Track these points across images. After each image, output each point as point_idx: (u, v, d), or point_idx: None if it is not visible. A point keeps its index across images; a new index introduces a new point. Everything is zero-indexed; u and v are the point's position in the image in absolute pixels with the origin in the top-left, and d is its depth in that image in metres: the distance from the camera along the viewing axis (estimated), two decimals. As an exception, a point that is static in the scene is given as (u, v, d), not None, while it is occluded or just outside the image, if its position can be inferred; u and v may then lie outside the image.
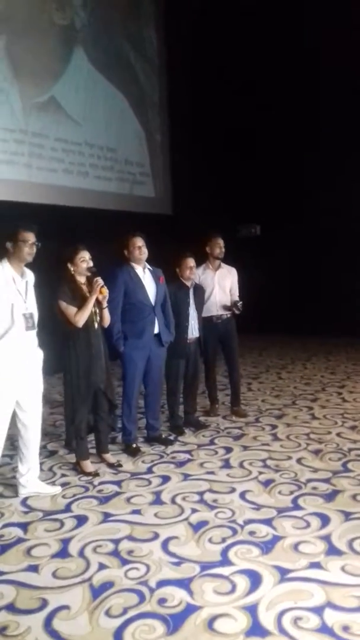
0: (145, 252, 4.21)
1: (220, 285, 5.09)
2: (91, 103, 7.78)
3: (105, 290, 3.72)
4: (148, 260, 4.32)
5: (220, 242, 5.07)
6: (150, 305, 4.22)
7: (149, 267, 4.31)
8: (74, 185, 7.50)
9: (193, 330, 4.66)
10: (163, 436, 4.53)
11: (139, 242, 4.19)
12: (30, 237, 3.28)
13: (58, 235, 3.45)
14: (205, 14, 9.51)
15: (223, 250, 5.08)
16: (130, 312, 4.14)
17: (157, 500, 3.37)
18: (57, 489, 3.58)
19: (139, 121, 8.75)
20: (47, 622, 2.26)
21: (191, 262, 4.61)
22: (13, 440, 3.81)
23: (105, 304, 3.77)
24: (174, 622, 2.23)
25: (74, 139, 7.49)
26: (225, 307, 5.07)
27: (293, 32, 9.03)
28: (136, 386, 4.28)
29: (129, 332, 4.16)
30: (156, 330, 4.26)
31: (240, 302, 5.04)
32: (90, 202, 7.67)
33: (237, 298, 5.15)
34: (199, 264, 4.86)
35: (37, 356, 3.46)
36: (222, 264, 5.17)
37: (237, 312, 5.06)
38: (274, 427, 4.76)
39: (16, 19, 6.70)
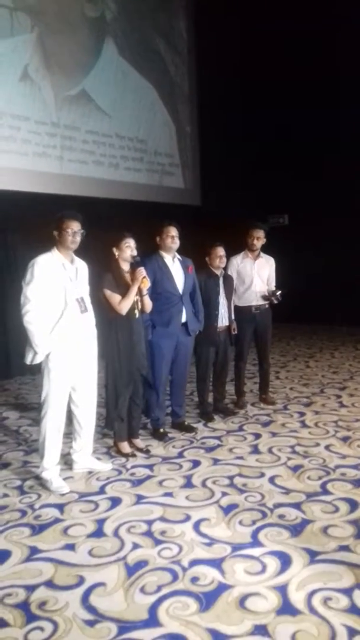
0: (177, 242, 4.27)
1: (260, 275, 5.06)
2: (121, 95, 7.83)
3: (147, 281, 3.82)
4: (178, 250, 4.37)
5: (255, 233, 4.99)
6: (178, 294, 4.27)
7: (178, 256, 4.36)
8: (104, 177, 7.58)
9: (223, 319, 4.70)
10: (186, 423, 4.59)
11: (173, 231, 4.25)
12: (75, 226, 3.41)
13: (89, 227, 3.54)
14: (235, 5, 9.44)
15: (257, 243, 5.00)
16: (158, 301, 4.19)
17: (188, 484, 3.45)
18: (109, 466, 3.76)
19: (169, 112, 8.76)
20: (85, 598, 2.35)
21: (221, 251, 4.64)
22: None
23: (145, 292, 3.87)
24: (207, 599, 2.31)
25: (105, 131, 7.56)
26: (264, 297, 5.05)
27: (326, 23, 8.92)
28: (164, 374, 4.34)
29: (157, 320, 4.22)
30: (183, 319, 4.31)
31: (280, 292, 4.98)
32: (120, 193, 7.74)
33: (273, 287, 5.11)
34: (229, 254, 4.88)
35: (93, 338, 3.59)
36: (262, 253, 5.12)
37: (275, 301, 5.01)
38: (302, 414, 4.80)
39: (48, 12, 6.77)
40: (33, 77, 6.57)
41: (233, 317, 4.88)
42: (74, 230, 3.40)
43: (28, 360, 3.43)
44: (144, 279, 3.78)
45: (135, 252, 3.83)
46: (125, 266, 3.87)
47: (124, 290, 3.78)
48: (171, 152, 8.82)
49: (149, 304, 3.97)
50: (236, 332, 4.92)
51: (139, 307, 3.87)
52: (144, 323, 4.11)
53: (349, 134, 8.99)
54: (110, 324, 3.84)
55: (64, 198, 6.61)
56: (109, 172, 7.63)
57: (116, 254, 3.84)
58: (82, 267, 3.59)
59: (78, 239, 3.43)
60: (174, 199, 8.73)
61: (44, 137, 6.69)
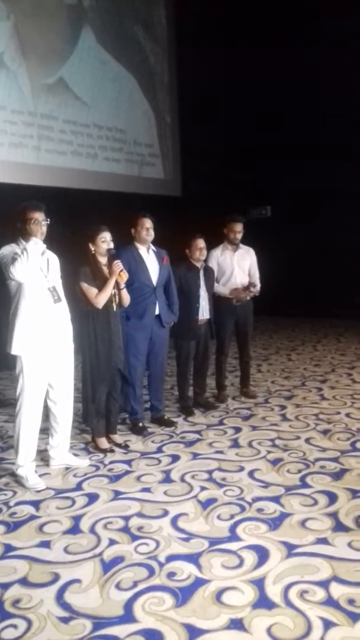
0: (151, 234, 4.24)
1: (240, 266, 5.03)
2: (100, 84, 7.73)
3: (125, 274, 3.78)
4: (157, 242, 4.34)
5: (237, 227, 4.96)
6: (152, 286, 4.24)
7: (153, 248, 4.33)
8: (82, 167, 7.49)
9: (204, 312, 4.67)
10: (166, 417, 4.56)
11: (148, 223, 4.22)
12: (38, 216, 3.33)
13: (67, 218, 3.49)
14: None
15: (238, 236, 4.98)
16: (132, 293, 4.11)
17: (167, 479, 3.42)
18: (86, 462, 3.72)
19: (148, 102, 8.68)
20: (59, 595, 2.32)
21: (201, 243, 4.60)
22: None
23: (123, 285, 3.82)
24: (183, 594, 2.28)
25: (83, 121, 7.46)
26: (243, 288, 4.97)
27: (305, 10, 8.89)
28: (139, 367, 4.31)
29: (131, 312, 4.17)
30: (157, 312, 4.28)
31: (258, 285, 4.96)
32: (99, 184, 7.66)
33: (257, 278, 5.08)
34: (210, 246, 4.83)
35: (68, 331, 3.54)
36: (241, 245, 5.09)
37: (251, 293, 4.95)
38: (283, 407, 4.79)
39: (24, -1, 6.66)
40: (9, 66, 6.45)
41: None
42: (39, 220, 3.33)
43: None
44: (121, 272, 3.73)
45: (111, 245, 3.79)
46: (102, 259, 3.82)
47: (101, 283, 3.73)
48: (151, 142, 8.75)
49: (126, 298, 3.93)
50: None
51: (117, 300, 3.83)
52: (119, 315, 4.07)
53: (332, 125, 8.98)
54: (87, 318, 3.79)
55: (41, 189, 6.51)
56: (87, 162, 7.54)
57: (92, 249, 3.79)
58: (52, 258, 3.53)
59: (44, 229, 3.36)
60: (154, 189, 8.67)
61: (20, 126, 6.57)
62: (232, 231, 4.97)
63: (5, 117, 6.40)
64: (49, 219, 3.38)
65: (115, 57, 8.01)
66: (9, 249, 3.33)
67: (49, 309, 3.38)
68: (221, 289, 4.92)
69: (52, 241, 3.49)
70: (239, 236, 5.00)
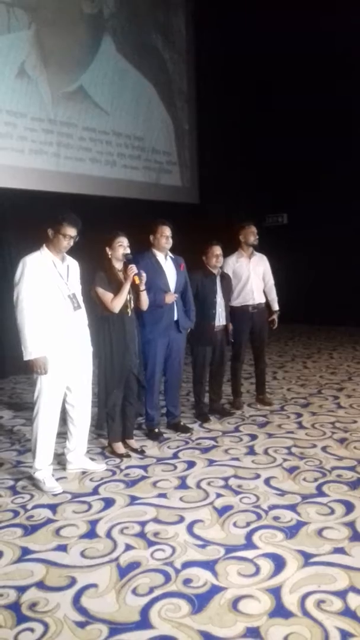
0: (170, 242, 4.27)
1: (256, 273, 5.07)
2: (119, 92, 7.80)
3: (143, 278, 3.80)
4: (174, 249, 4.36)
5: (254, 229, 5.04)
6: (170, 292, 4.26)
7: (170, 255, 4.36)
8: (101, 175, 7.54)
9: (220, 318, 4.67)
10: (182, 423, 4.56)
11: (167, 231, 4.25)
12: (72, 232, 3.37)
13: (85, 225, 3.51)
14: (234, 2, 9.41)
15: (257, 237, 5.05)
16: (150, 299, 4.16)
17: (183, 485, 3.43)
18: (103, 466, 3.74)
19: (167, 110, 8.73)
20: (76, 600, 2.33)
21: (218, 250, 4.62)
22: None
23: (142, 288, 3.84)
24: (199, 601, 2.28)
25: (102, 128, 7.52)
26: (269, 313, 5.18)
27: (325, 21, 8.89)
28: (157, 373, 4.33)
29: (149, 318, 4.19)
30: (175, 317, 4.31)
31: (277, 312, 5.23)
32: (117, 191, 7.70)
33: (272, 284, 5.20)
34: (226, 252, 4.86)
35: (86, 337, 3.57)
36: (254, 252, 5.14)
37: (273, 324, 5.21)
38: (299, 415, 4.77)
39: (46, 8, 6.74)
40: (30, 74, 6.53)
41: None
42: (71, 236, 3.38)
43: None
44: (135, 276, 3.75)
45: (128, 251, 3.81)
46: (118, 265, 3.85)
47: (116, 288, 3.75)
48: (169, 150, 8.78)
49: (145, 301, 3.94)
50: (232, 334, 4.89)
51: (131, 305, 3.84)
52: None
53: (349, 133, 8.97)
54: (102, 323, 3.81)
55: (60, 195, 6.57)
56: (105, 169, 7.59)
57: (109, 253, 3.82)
58: (73, 265, 3.57)
59: (72, 244, 3.41)
60: (172, 197, 8.70)
61: (40, 133, 6.65)
62: (252, 233, 5.02)
63: (25, 124, 6.48)
64: (78, 237, 3.42)
65: (134, 65, 8.08)
66: (31, 261, 3.33)
67: (68, 317, 3.41)
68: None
69: (70, 248, 3.52)
70: (257, 237, 5.05)
